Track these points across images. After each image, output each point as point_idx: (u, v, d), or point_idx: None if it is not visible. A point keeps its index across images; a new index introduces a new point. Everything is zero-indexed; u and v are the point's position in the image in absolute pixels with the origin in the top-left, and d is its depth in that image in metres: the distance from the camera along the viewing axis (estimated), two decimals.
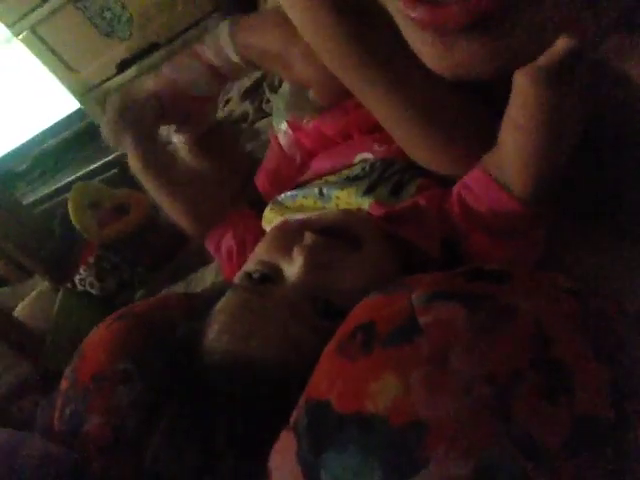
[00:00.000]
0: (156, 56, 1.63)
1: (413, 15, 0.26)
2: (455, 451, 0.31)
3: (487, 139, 0.57)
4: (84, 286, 0.97)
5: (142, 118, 0.78)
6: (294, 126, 0.85)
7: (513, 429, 0.31)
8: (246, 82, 0.99)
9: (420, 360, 0.34)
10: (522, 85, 0.42)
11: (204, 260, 0.90)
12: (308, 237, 0.54)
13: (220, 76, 0.78)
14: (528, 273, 0.41)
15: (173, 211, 0.82)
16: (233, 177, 0.89)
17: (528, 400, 0.31)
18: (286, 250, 0.55)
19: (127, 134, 0.77)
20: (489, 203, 0.55)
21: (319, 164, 0.79)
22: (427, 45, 0.28)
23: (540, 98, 0.43)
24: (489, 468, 0.30)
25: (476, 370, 0.33)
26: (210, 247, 0.83)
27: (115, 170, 1.94)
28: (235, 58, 0.74)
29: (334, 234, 0.55)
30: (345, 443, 0.34)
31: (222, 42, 0.74)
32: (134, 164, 0.79)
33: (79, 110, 1.99)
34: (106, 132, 0.79)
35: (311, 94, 0.78)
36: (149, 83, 0.80)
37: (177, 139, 0.88)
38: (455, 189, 0.60)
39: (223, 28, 0.76)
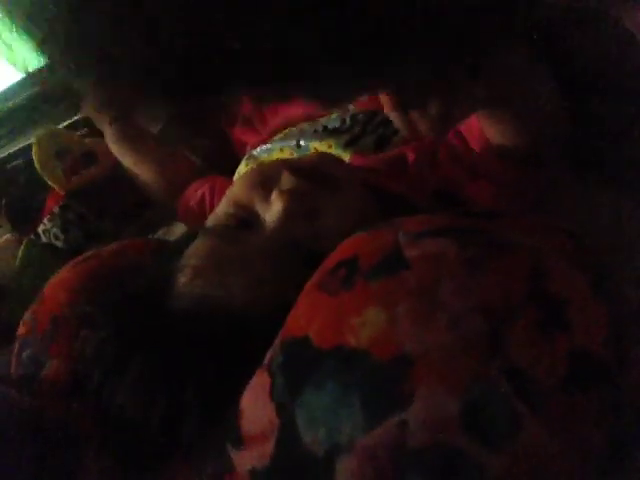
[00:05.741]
0: None
1: None
2: (442, 386, 0.29)
3: None
4: (48, 238, 0.93)
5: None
6: None
7: (505, 364, 0.29)
8: None
9: (406, 293, 0.32)
10: None
11: (175, 214, 0.88)
12: (287, 180, 0.50)
13: None
14: (522, 214, 0.40)
15: (147, 176, 0.87)
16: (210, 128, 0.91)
17: (521, 334, 0.29)
18: (263, 193, 0.51)
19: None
20: (485, 156, 0.54)
21: (292, 110, 0.76)
22: None
23: None
24: (478, 404, 0.28)
25: (466, 303, 0.31)
26: (181, 209, 0.83)
27: (85, 129, 1.88)
28: None
29: (310, 176, 0.52)
30: (323, 379, 0.32)
31: None
32: (109, 137, 0.89)
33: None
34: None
35: None
36: None
37: None
38: (449, 140, 0.59)
39: None
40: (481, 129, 0.55)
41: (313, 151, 0.67)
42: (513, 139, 0.52)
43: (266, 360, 0.37)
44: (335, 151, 0.65)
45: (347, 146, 0.64)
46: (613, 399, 0.29)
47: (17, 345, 0.54)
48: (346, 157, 0.64)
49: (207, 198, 0.79)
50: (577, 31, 0.52)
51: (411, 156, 0.60)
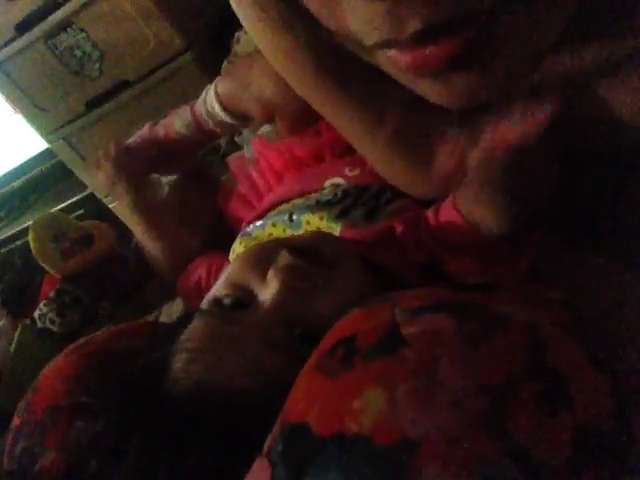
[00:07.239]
0: (126, 95, 1.61)
1: (403, 61, 0.32)
2: (447, 470, 0.28)
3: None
4: (44, 322, 0.92)
5: (135, 167, 0.89)
6: (261, 147, 0.84)
7: (511, 445, 0.28)
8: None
9: (405, 373, 0.32)
10: None
11: (172, 294, 0.88)
12: (283, 258, 0.51)
13: (205, 132, 0.88)
14: (515, 285, 0.40)
15: (156, 249, 0.89)
16: (209, 207, 0.94)
17: (526, 412, 0.29)
18: (259, 273, 0.52)
19: (121, 182, 0.87)
20: (462, 237, 0.55)
21: (286, 187, 0.78)
22: (428, 87, 0.35)
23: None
24: None
25: (468, 381, 0.30)
26: (181, 289, 0.84)
27: (82, 210, 1.91)
28: (221, 114, 0.80)
29: (307, 255, 0.52)
30: (325, 469, 0.31)
31: (209, 99, 0.80)
32: (125, 208, 0.89)
33: (46, 150, 1.96)
34: (100, 178, 0.90)
35: (276, 127, 0.81)
36: (144, 131, 0.93)
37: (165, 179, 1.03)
38: (428, 218, 0.59)
39: (211, 86, 0.81)
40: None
41: (305, 224, 0.67)
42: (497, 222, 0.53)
43: (265, 448, 0.36)
44: (327, 223, 0.65)
45: (338, 218, 0.65)
46: (623, 473, 0.28)
47: (10, 438, 0.52)
48: (337, 228, 0.64)
49: (203, 280, 0.79)
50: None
51: (399, 228, 0.60)
